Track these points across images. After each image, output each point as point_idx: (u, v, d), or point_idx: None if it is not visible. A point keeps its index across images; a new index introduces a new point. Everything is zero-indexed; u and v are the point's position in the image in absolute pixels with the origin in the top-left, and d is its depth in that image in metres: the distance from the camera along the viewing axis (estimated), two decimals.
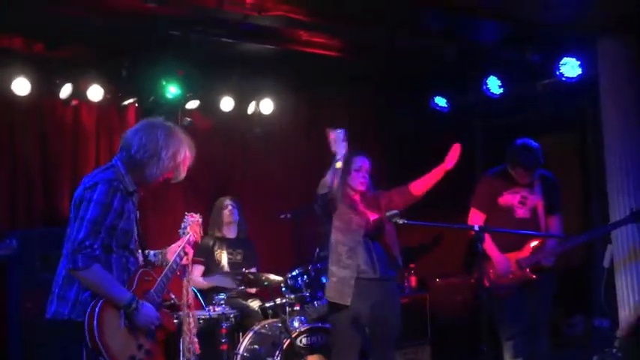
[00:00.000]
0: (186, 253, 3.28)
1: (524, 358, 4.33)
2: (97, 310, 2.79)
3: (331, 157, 4.03)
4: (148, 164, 2.96)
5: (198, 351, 3.42)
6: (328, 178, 3.95)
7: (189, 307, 3.39)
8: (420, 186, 4.20)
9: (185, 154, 3.05)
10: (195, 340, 3.40)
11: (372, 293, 4.03)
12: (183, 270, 3.33)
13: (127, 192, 2.94)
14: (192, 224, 3.39)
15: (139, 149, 2.96)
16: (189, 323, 3.37)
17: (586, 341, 6.00)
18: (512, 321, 4.36)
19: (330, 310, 4.17)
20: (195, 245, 3.42)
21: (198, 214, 3.48)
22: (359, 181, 4.15)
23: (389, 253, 4.15)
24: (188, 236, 3.33)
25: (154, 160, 2.96)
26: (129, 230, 2.95)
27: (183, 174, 3.10)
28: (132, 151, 2.97)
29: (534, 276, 4.32)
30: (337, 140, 3.94)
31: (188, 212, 3.55)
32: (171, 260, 3.21)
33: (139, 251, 3.11)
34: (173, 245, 3.32)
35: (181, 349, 3.43)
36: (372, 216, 4.13)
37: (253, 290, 5.35)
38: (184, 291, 3.40)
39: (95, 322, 2.77)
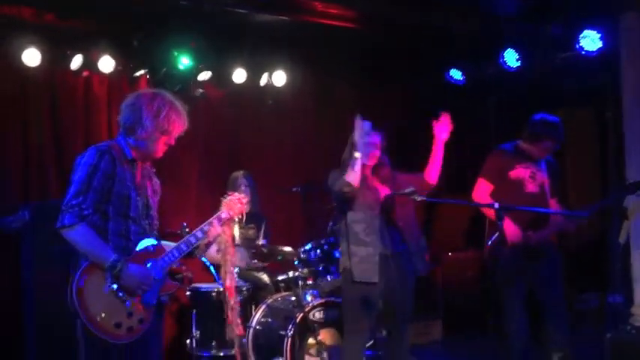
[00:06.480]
0: (206, 230, 3.13)
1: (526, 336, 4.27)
2: (78, 272, 2.76)
3: (350, 146, 3.93)
4: (135, 127, 2.94)
5: (241, 332, 3.39)
6: (351, 177, 3.86)
7: (229, 290, 3.32)
8: (432, 172, 4.10)
9: (168, 114, 2.94)
10: (239, 321, 3.38)
11: (384, 269, 3.97)
12: (206, 247, 3.21)
13: (124, 160, 2.93)
14: (228, 201, 3.27)
15: (125, 113, 2.97)
16: (231, 308, 3.32)
17: (600, 317, 5.97)
18: (515, 298, 4.29)
19: (343, 286, 4.12)
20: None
21: (242, 195, 3.37)
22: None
23: (399, 228, 4.07)
24: (219, 212, 3.24)
25: (138, 122, 2.93)
26: (124, 195, 2.89)
27: (172, 136, 3.00)
28: (122, 119, 2.98)
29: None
30: (362, 131, 3.85)
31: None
32: (191, 234, 3.10)
33: (149, 223, 3.00)
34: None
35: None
36: (384, 191, 4.06)
37: (266, 264, 5.33)
38: (223, 274, 3.35)
39: (74, 284, 2.73)
